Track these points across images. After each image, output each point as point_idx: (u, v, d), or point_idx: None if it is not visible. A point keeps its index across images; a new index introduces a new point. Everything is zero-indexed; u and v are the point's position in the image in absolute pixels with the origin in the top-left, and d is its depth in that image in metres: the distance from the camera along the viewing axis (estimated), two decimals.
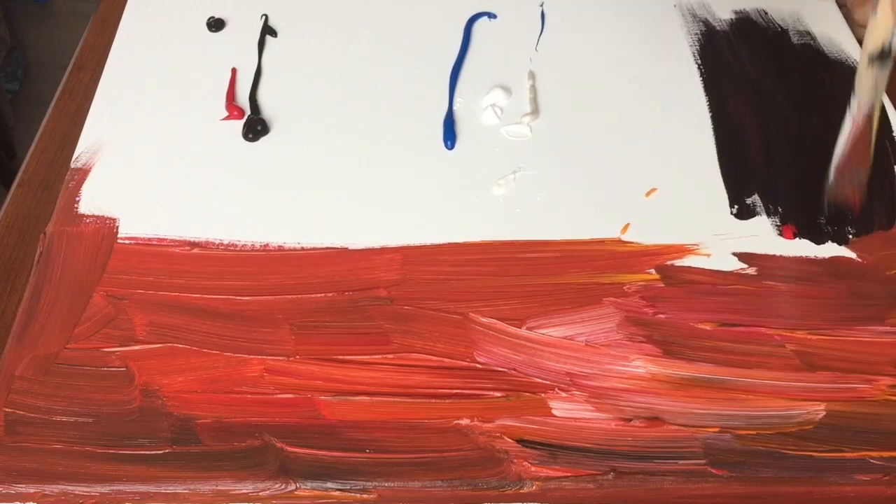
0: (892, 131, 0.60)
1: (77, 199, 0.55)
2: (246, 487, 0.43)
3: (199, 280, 0.51)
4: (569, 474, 0.44)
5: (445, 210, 0.55)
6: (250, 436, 0.45)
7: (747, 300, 0.50)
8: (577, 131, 0.60)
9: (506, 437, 0.45)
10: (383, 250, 0.53)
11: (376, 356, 0.48)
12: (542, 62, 0.65)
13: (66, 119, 0.62)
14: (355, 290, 0.51)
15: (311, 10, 0.69)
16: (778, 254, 0.53)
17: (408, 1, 0.70)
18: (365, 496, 0.44)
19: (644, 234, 0.54)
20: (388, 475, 0.44)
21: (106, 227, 0.54)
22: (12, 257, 0.54)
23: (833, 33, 0.67)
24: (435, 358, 0.48)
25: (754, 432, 0.45)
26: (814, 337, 0.49)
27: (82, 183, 0.56)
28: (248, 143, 0.59)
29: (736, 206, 0.55)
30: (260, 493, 0.43)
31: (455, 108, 0.62)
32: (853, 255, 0.53)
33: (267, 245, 0.53)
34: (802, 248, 0.53)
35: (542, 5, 0.70)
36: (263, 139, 0.59)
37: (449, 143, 0.59)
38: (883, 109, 0.55)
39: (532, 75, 0.64)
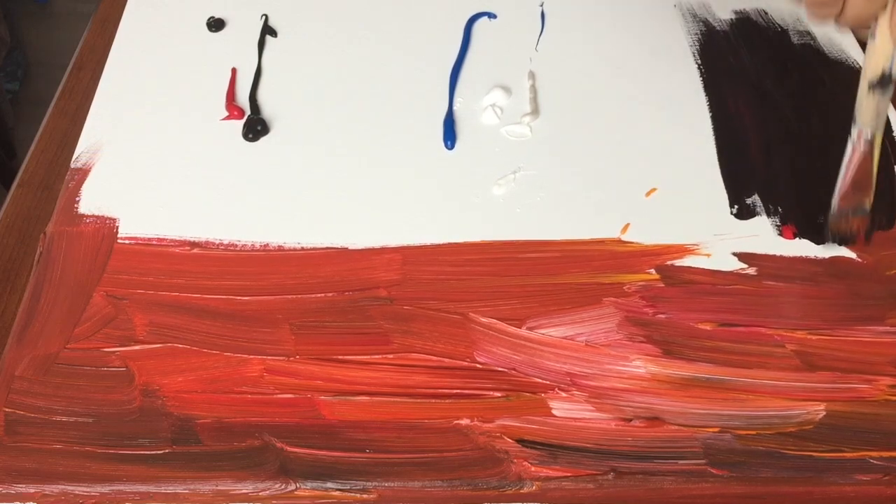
0: (892, 131, 0.60)
1: (77, 199, 0.55)
2: (246, 487, 0.43)
3: (199, 280, 0.51)
4: (569, 474, 0.44)
5: (445, 210, 0.55)
6: (250, 436, 0.45)
7: (747, 300, 0.50)
8: (577, 131, 0.60)
9: (506, 437, 0.45)
10: (383, 250, 0.53)
11: (376, 356, 0.48)
12: (542, 62, 0.65)
13: (66, 119, 0.62)
14: (355, 290, 0.51)
15: (311, 10, 0.69)
16: (778, 254, 0.53)
17: (408, 1, 0.70)
18: (365, 496, 0.44)
19: (644, 234, 0.54)
20: (388, 475, 0.44)
21: (106, 227, 0.54)
22: (12, 257, 0.54)
23: (833, 33, 0.67)
24: (435, 358, 0.48)
25: (754, 432, 0.45)
26: (814, 337, 0.49)
27: (82, 183, 0.56)
28: (248, 143, 0.59)
29: (736, 206, 0.55)
30: (260, 493, 0.43)
31: (455, 108, 0.62)
32: (853, 256, 0.53)
33: (267, 245, 0.53)
34: (802, 248, 0.53)
35: (542, 5, 0.70)
36: (263, 139, 0.59)
37: (449, 143, 0.59)
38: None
39: (532, 75, 0.64)
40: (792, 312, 0.50)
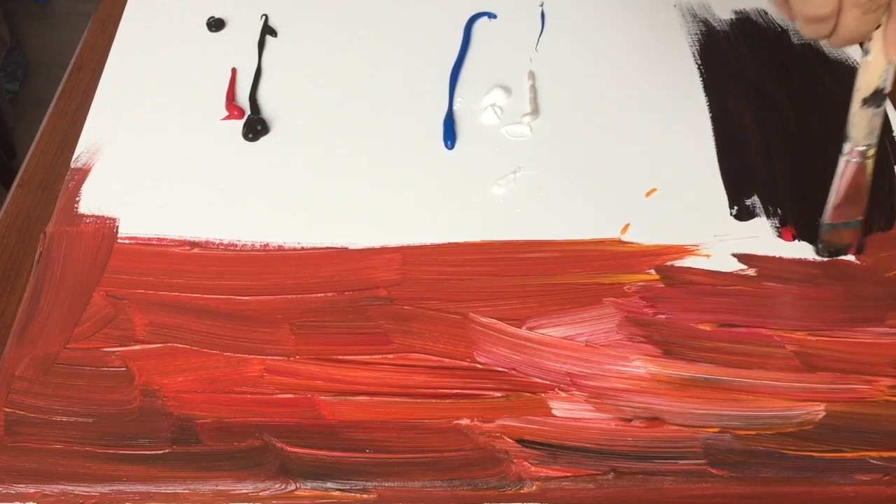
0: (892, 131, 0.60)
1: (77, 199, 0.55)
2: (246, 487, 0.43)
3: (199, 280, 0.51)
4: (569, 474, 0.44)
5: (445, 210, 0.55)
6: (250, 436, 0.45)
7: (747, 301, 0.50)
8: (577, 131, 0.60)
9: (506, 437, 0.45)
10: (383, 250, 0.53)
11: (376, 356, 0.48)
12: (542, 62, 0.65)
13: (66, 119, 0.62)
14: (355, 290, 0.51)
15: (311, 10, 0.69)
16: (777, 255, 0.53)
17: (408, 1, 0.70)
18: (365, 496, 0.44)
19: (644, 235, 0.54)
20: (388, 475, 0.44)
21: (106, 227, 0.54)
22: (12, 257, 0.54)
23: None
24: (435, 358, 0.48)
25: (754, 432, 0.45)
26: (813, 338, 0.49)
27: (82, 183, 0.56)
28: (248, 143, 0.59)
29: (735, 208, 0.55)
30: (260, 493, 0.43)
31: (455, 108, 0.62)
32: (852, 258, 0.53)
33: (267, 245, 0.53)
34: (802, 249, 0.53)
35: (542, 5, 0.70)
36: (263, 139, 0.59)
37: (449, 143, 0.59)
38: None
39: (532, 75, 0.64)
40: (791, 314, 0.50)
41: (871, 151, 0.49)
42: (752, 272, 0.52)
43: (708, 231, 0.54)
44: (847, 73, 0.64)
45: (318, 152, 0.58)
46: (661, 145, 0.59)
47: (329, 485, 0.43)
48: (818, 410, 0.46)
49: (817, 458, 0.44)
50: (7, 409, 0.46)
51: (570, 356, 0.48)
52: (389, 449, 0.45)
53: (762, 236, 0.54)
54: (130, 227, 0.54)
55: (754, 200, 0.56)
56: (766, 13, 0.68)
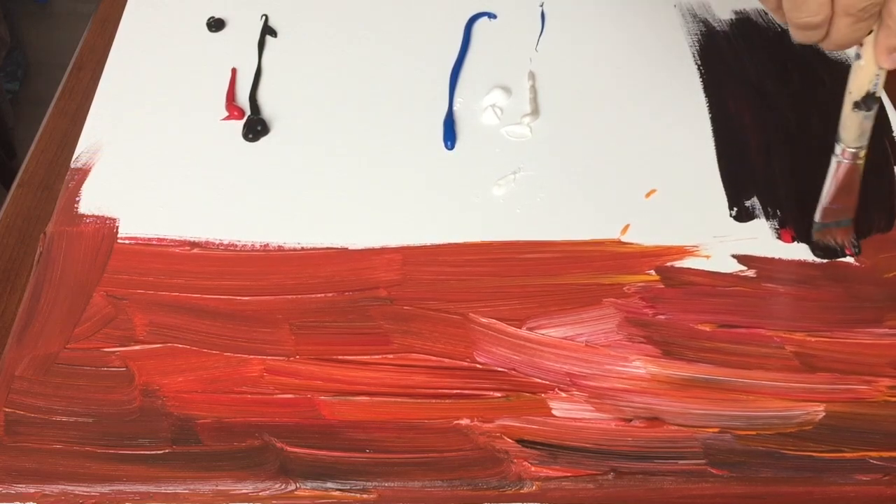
0: (892, 131, 0.60)
1: (77, 199, 0.55)
2: (246, 487, 0.43)
3: (199, 280, 0.51)
4: (569, 474, 0.44)
5: (445, 210, 0.55)
6: (250, 436, 0.45)
7: (746, 302, 0.50)
8: (577, 132, 0.60)
9: (506, 437, 0.45)
10: (383, 250, 0.53)
11: (376, 356, 0.48)
12: (542, 62, 0.65)
13: (66, 119, 0.62)
14: (355, 290, 0.51)
15: (311, 10, 0.69)
16: (776, 257, 0.53)
17: (408, 1, 0.70)
18: (365, 496, 0.44)
19: (644, 236, 0.54)
20: (388, 475, 0.44)
21: (106, 227, 0.54)
22: (12, 257, 0.54)
23: None
24: (435, 358, 0.48)
25: (754, 432, 0.45)
26: (813, 339, 0.49)
27: (82, 183, 0.56)
28: (248, 143, 0.59)
29: (735, 209, 0.55)
30: (260, 493, 0.43)
31: (455, 108, 0.62)
32: (851, 259, 0.53)
33: (267, 245, 0.53)
34: (801, 251, 0.53)
35: (542, 5, 0.70)
36: (263, 139, 0.59)
37: (449, 143, 0.59)
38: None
39: (532, 75, 0.64)
40: (791, 314, 0.50)
41: (863, 153, 0.49)
42: (751, 273, 0.52)
43: (707, 232, 0.54)
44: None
45: (317, 152, 0.58)
46: (660, 146, 0.59)
47: (329, 485, 0.43)
48: (818, 411, 0.46)
49: (817, 458, 0.44)
50: (7, 409, 0.46)
51: (570, 356, 0.48)
52: (389, 449, 0.45)
53: (761, 238, 0.54)
54: (130, 228, 0.54)
55: (754, 202, 0.56)
56: (766, 13, 0.68)
